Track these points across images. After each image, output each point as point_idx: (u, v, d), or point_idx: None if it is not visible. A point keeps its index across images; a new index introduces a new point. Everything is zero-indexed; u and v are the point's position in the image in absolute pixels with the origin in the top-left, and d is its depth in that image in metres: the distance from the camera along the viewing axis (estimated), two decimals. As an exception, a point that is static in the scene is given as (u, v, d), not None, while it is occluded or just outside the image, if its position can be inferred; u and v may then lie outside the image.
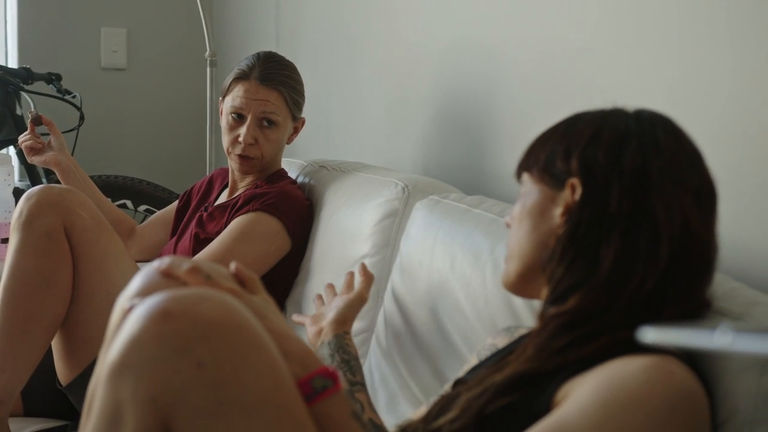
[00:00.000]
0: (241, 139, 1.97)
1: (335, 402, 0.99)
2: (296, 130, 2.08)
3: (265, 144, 1.99)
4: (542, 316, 1.05)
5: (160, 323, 0.88)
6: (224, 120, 2.02)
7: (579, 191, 1.03)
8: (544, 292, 1.08)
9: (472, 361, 1.27)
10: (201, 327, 0.88)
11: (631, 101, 1.29)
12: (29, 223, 1.72)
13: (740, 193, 1.31)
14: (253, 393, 0.89)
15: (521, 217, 1.10)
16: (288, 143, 2.07)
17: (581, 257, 1.01)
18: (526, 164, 1.11)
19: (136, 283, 1.01)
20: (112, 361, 0.89)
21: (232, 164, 2.04)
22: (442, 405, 1.07)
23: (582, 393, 0.94)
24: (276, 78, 1.98)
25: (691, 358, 0.99)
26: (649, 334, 0.59)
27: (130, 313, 0.92)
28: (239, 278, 1.06)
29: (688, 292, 1.01)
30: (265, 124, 1.99)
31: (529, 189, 1.10)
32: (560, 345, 0.99)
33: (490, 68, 1.90)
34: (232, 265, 1.07)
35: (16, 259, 1.71)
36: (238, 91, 1.99)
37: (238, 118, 1.99)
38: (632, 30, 1.52)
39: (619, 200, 1.00)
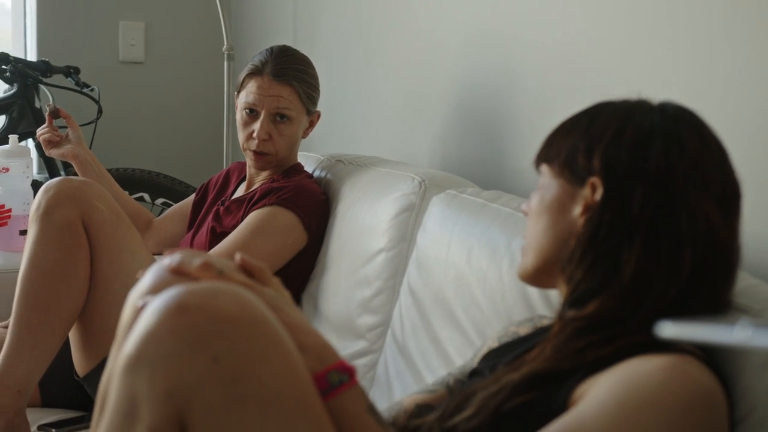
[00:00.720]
0: (255, 134, 1.98)
1: (351, 396, 0.99)
2: (312, 124, 2.08)
3: (279, 139, 1.99)
4: (561, 318, 1.05)
5: (176, 317, 0.88)
6: (239, 115, 2.03)
7: (600, 191, 1.01)
8: (562, 285, 1.08)
9: (492, 344, 1.26)
10: (217, 321, 0.88)
11: (650, 94, 1.29)
12: (47, 215, 1.72)
13: (759, 188, 1.30)
14: (269, 388, 0.89)
15: (539, 211, 1.09)
16: (304, 137, 2.07)
17: (601, 261, 1.00)
18: (546, 155, 1.10)
19: (147, 280, 1.01)
20: (127, 355, 0.89)
21: (248, 160, 2.04)
22: (458, 403, 1.07)
23: (598, 392, 0.93)
24: (289, 73, 1.98)
25: (710, 357, 0.98)
26: (668, 329, 0.59)
27: (141, 310, 0.92)
28: (247, 269, 1.05)
29: (711, 298, 1.00)
30: (279, 119, 1.99)
31: (549, 182, 1.08)
32: (578, 347, 0.98)
33: (508, 62, 1.89)
34: (237, 256, 1.06)
35: (35, 250, 1.72)
36: (251, 87, 1.99)
37: (252, 113, 2.00)
38: (650, 22, 1.51)
39: (641, 204, 0.99)
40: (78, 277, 1.73)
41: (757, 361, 0.99)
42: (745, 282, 1.11)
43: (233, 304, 0.90)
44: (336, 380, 0.98)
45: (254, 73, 2.00)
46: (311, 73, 2.04)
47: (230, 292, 0.92)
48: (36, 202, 1.75)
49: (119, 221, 1.79)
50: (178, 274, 0.99)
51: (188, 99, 3.34)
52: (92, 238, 1.75)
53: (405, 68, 2.30)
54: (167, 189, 2.87)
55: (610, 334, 0.97)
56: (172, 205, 2.70)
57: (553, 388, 0.98)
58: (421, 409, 1.22)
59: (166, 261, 1.01)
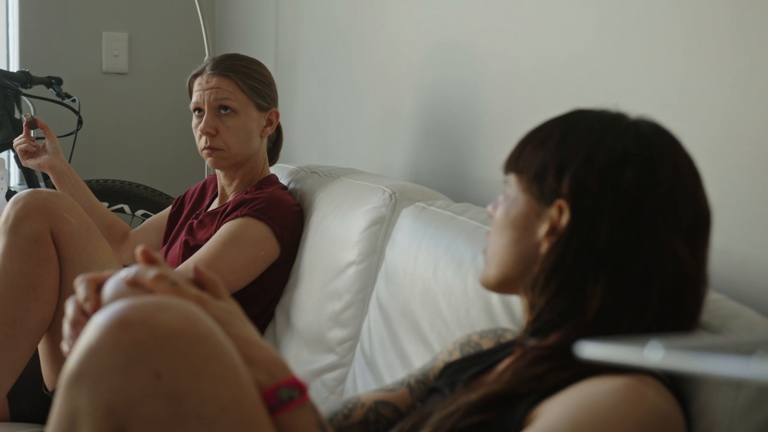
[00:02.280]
0: (200, 129, 1.97)
1: (301, 413, 0.97)
2: (270, 123, 2.05)
3: (226, 132, 1.98)
4: (522, 345, 1.04)
5: (117, 332, 0.87)
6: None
7: (566, 216, 0.99)
8: (524, 299, 1.07)
9: (453, 354, 1.25)
10: (159, 336, 0.87)
11: (618, 106, 1.28)
12: (16, 228, 1.72)
13: (727, 202, 1.29)
14: (212, 404, 0.88)
15: (504, 225, 1.07)
16: (263, 136, 2.05)
17: (565, 291, 0.99)
18: (516, 166, 1.07)
19: (106, 293, 1.00)
20: (69, 369, 0.88)
21: (208, 163, 2.03)
22: (414, 422, 1.06)
23: (554, 412, 0.92)
24: (226, 66, 2.00)
25: (671, 377, 0.97)
26: (587, 350, 0.58)
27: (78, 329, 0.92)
28: (200, 281, 1.03)
29: (677, 330, 0.98)
30: (222, 111, 1.98)
31: (515, 195, 1.06)
32: (537, 373, 0.97)
33: (473, 75, 1.89)
34: (190, 264, 1.05)
35: (2, 263, 1.71)
36: (195, 88, 2.02)
37: (200, 113, 2.01)
38: (619, 36, 1.50)
39: (608, 236, 0.96)
40: (46, 289, 1.72)
41: (727, 382, 0.98)
42: (707, 296, 1.10)
43: (177, 319, 0.89)
44: (285, 396, 0.97)
45: (196, 74, 2.03)
46: (254, 68, 2.04)
47: (174, 307, 0.90)
48: (5, 214, 1.74)
49: (89, 233, 1.78)
50: (134, 285, 0.98)
51: (171, 110, 3.33)
52: (61, 251, 1.74)
53: (380, 80, 2.30)
54: (147, 200, 2.87)
55: (570, 363, 0.96)
56: (152, 216, 2.70)
57: (509, 409, 0.97)
58: (379, 405, 1.21)
59: (123, 273, 1.00)
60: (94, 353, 0.87)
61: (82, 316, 1.00)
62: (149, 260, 1.02)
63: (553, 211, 1.01)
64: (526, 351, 1.01)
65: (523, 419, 0.95)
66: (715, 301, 1.11)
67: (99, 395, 0.86)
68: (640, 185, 0.97)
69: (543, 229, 1.02)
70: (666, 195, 0.97)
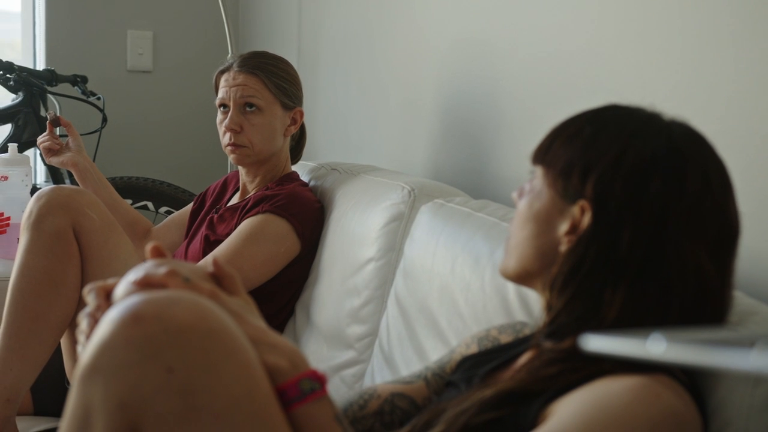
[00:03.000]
0: (225, 125, 1.98)
1: (321, 405, 0.98)
2: (294, 122, 2.05)
3: (250, 129, 1.98)
4: (538, 345, 1.03)
5: (130, 327, 0.88)
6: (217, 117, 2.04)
7: (588, 217, 0.98)
8: (541, 293, 1.06)
9: (471, 348, 1.25)
10: (172, 331, 0.88)
11: (638, 102, 1.26)
12: (38, 224, 1.73)
13: (744, 198, 1.28)
14: (224, 399, 0.88)
15: (526, 218, 1.06)
16: (286, 135, 2.05)
17: (583, 296, 0.98)
18: (543, 158, 1.05)
19: (118, 294, 1.00)
20: (83, 364, 0.89)
21: (230, 158, 2.04)
22: (428, 419, 1.06)
23: (567, 410, 0.92)
24: (254, 64, 2.00)
25: (690, 376, 0.96)
26: (591, 342, 0.57)
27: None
28: (219, 274, 1.03)
29: None
30: (248, 109, 1.99)
31: (540, 188, 1.05)
32: (552, 373, 0.96)
33: (494, 71, 1.89)
34: (209, 259, 1.05)
35: (25, 259, 1.73)
36: (221, 84, 2.02)
37: (225, 109, 2.01)
38: (638, 30, 1.50)
39: (630, 244, 0.95)
40: (68, 285, 1.73)
41: (731, 375, 0.97)
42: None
43: (189, 314, 0.89)
44: (308, 388, 0.97)
45: (223, 70, 2.03)
46: (281, 67, 2.04)
47: (187, 302, 0.91)
48: (28, 211, 1.76)
49: (110, 229, 1.79)
50: (144, 286, 0.98)
51: (195, 108, 3.35)
52: (83, 247, 1.76)
53: (401, 76, 2.30)
54: (171, 197, 2.88)
55: (584, 365, 0.95)
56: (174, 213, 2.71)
57: (523, 407, 0.97)
58: (395, 397, 1.21)
59: (132, 276, 1.00)
60: (107, 348, 0.88)
61: (143, 288, 0.99)
62: (159, 256, 1.03)
63: (575, 210, 1.00)
64: (541, 351, 1.01)
65: (537, 417, 0.95)
66: (733, 297, 1.10)
67: (112, 390, 0.87)
68: (666, 194, 0.95)
69: (564, 226, 1.01)
70: (692, 206, 0.95)
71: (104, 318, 0.91)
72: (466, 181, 1.96)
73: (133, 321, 0.88)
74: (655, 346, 0.49)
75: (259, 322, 1.00)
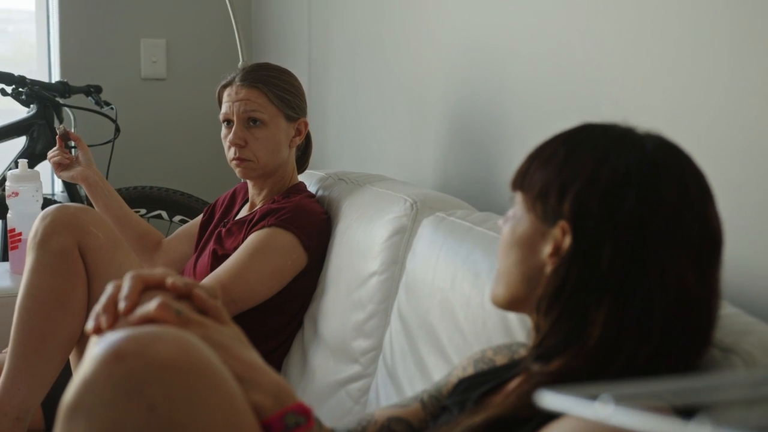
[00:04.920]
0: (229, 141, 1.98)
1: None
2: (299, 132, 2.05)
3: (255, 144, 1.98)
4: (526, 369, 1.02)
5: (112, 364, 0.88)
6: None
7: (569, 238, 0.97)
8: (531, 316, 1.06)
9: (467, 370, 1.24)
10: (153, 368, 0.88)
11: (641, 112, 1.25)
12: (44, 243, 1.74)
13: (740, 208, 1.26)
14: (207, 435, 0.88)
15: (510, 244, 1.06)
16: (291, 146, 2.05)
17: (568, 317, 0.97)
18: (521, 184, 1.06)
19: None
20: (66, 402, 0.89)
21: (237, 173, 2.04)
22: None
23: None
24: (255, 77, 1.99)
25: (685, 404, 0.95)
26: (546, 400, 0.57)
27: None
28: (202, 307, 1.03)
29: (684, 359, 0.95)
30: (252, 123, 1.98)
31: (521, 213, 1.05)
32: None
33: (501, 79, 1.87)
34: (218, 273, 1.05)
35: (31, 278, 1.74)
36: (224, 99, 2.03)
37: (229, 125, 2.01)
38: (647, 40, 1.48)
39: (610, 261, 0.94)
40: (74, 303, 1.74)
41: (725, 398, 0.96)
42: (722, 311, 1.07)
43: (172, 350, 0.89)
44: (292, 422, 0.97)
45: (225, 85, 2.03)
46: (284, 78, 2.03)
47: (170, 337, 0.91)
48: (33, 230, 1.77)
49: (116, 247, 1.80)
50: (141, 323, 0.98)
51: (209, 115, 3.32)
52: (89, 265, 1.77)
53: (409, 85, 2.29)
54: (185, 206, 2.89)
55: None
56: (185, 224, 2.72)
57: None
58: (392, 422, 1.21)
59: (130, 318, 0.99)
60: (89, 386, 0.88)
61: (113, 305, 1.00)
62: (153, 286, 1.03)
63: (556, 232, 0.99)
64: (530, 375, 1.00)
65: None
66: (728, 316, 1.08)
67: (94, 427, 0.87)
68: (642, 208, 0.94)
69: (547, 249, 1.00)
70: (670, 217, 0.94)
71: (87, 355, 0.91)
72: (474, 190, 1.95)
73: (114, 358, 0.88)
74: (603, 409, 0.48)
75: (247, 354, 1.00)
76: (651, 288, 0.93)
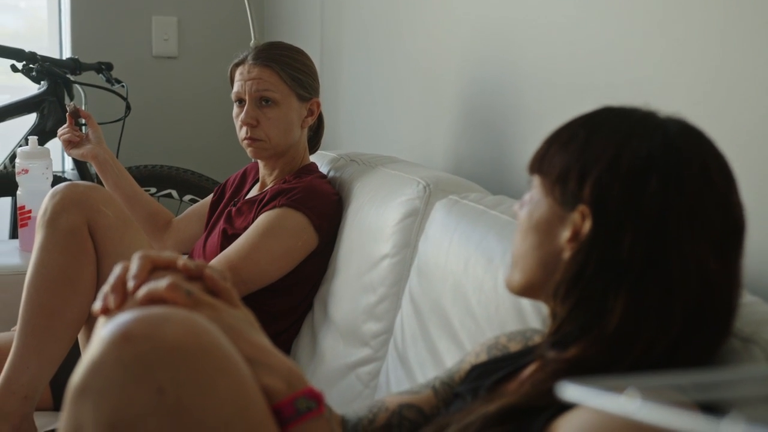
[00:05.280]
0: (241, 120, 1.96)
1: (318, 425, 0.96)
2: (312, 113, 2.03)
3: (266, 123, 1.96)
4: (541, 356, 1.01)
5: (120, 346, 0.87)
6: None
7: (589, 223, 0.95)
8: (547, 302, 1.04)
9: (480, 356, 1.23)
10: (162, 351, 0.86)
11: (659, 95, 1.22)
12: (53, 221, 1.73)
13: (762, 195, 1.24)
14: (216, 419, 0.87)
15: (527, 228, 1.03)
16: (303, 127, 2.03)
17: (586, 303, 0.95)
18: (539, 167, 1.03)
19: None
20: (73, 384, 0.88)
21: (248, 153, 2.02)
22: None
23: (573, 425, 0.89)
24: (268, 56, 1.97)
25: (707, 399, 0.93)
26: (569, 391, 0.55)
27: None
28: (214, 289, 1.02)
29: (703, 349, 0.93)
30: (264, 103, 1.97)
31: (539, 197, 1.02)
32: (555, 387, 0.94)
33: (515, 60, 1.85)
34: (207, 272, 1.04)
35: (40, 256, 1.72)
36: (236, 78, 2.01)
37: (241, 104, 2.00)
38: (660, 23, 1.45)
39: (631, 247, 0.92)
40: (84, 282, 1.73)
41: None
42: (741, 299, 1.05)
43: (181, 332, 0.88)
44: (303, 407, 0.96)
45: (238, 63, 2.02)
46: (297, 58, 2.01)
47: (179, 319, 0.89)
48: (43, 208, 1.75)
49: (126, 226, 1.79)
50: (147, 302, 0.96)
51: (220, 94, 3.32)
52: (98, 244, 1.75)
53: (422, 65, 2.27)
54: (195, 186, 2.88)
55: (589, 377, 0.92)
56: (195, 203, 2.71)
57: (526, 422, 0.94)
58: (404, 408, 1.19)
59: (137, 294, 0.98)
60: (97, 368, 0.87)
61: (121, 285, 0.99)
62: (162, 267, 1.01)
63: (576, 216, 0.97)
64: (546, 363, 0.98)
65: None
66: (748, 305, 1.06)
67: (102, 410, 0.86)
68: (664, 193, 0.92)
69: (566, 234, 0.98)
70: (693, 203, 0.92)
71: (95, 337, 0.90)
72: (486, 172, 1.92)
73: (122, 340, 0.87)
74: (629, 404, 0.46)
75: (257, 338, 0.99)
76: (672, 275, 0.91)
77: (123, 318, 0.89)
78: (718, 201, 0.94)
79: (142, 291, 0.97)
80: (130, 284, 0.98)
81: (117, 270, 1.00)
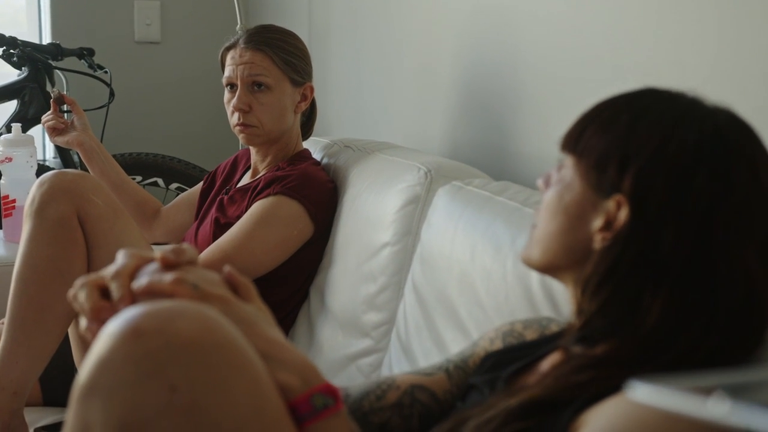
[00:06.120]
0: (233, 105, 1.91)
1: (336, 422, 0.92)
2: (305, 98, 1.98)
3: (259, 109, 1.91)
4: (567, 349, 0.97)
5: (130, 342, 0.82)
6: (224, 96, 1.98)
7: (625, 213, 0.90)
8: (570, 289, 0.99)
9: (495, 343, 1.19)
10: (175, 347, 0.82)
11: (667, 77, 1.18)
12: (41, 211, 1.67)
13: None
14: (231, 418, 0.82)
15: (556, 210, 0.98)
16: (296, 112, 1.98)
17: (619, 300, 0.90)
18: (575, 147, 0.97)
19: (141, 284, 0.94)
20: (81, 382, 0.83)
21: (240, 139, 1.97)
22: (451, 428, 1.00)
23: (600, 423, 0.85)
24: (260, 39, 1.92)
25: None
26: (639, 391, 0.51)
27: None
28: (232, 284, 0.98)
29: (740, 355, 0.88)
30: (256, 88, 1.92)
31: (571, 179, 0.97)
32: (581, 381, 0.89)
33: (512, 40, 1.80)
34: (226, 268, 1.00)
35: (29, 247, 1.67)
36: (227, 62, 1.95)
37: (233, 89, 1.94)
38: (662, 3, 1.41)
39: (673, 245, 0.87)
40: (74, 274, 1.67)
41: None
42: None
43: (194, 327, 0.83)
44: (320, 404, 0.91)
45: (229, 47, 1.96)
46: (290, 41, 1.96)
47: (191, 314, 0.85)
48: (30, 197, 1.70)
49: (116, 215, 1.73)
50: (149, 295, 0.92)
51: (205, 80, 3.27)
52: (88, 234, 1.70)
53: (416, 48, 2.22)
54: (181, 174, 2.82)
55: (617, 372, 0.88)
56: (186, 189, 2.65)
57: (551, 417, 0.90)
58: (416, 389, 1.15)
59: (135, 284, 0.93)
60: (105, 365, 0.82)
61: (106, 309, 0.94)
62: (168, 265, 0.96)
63: (610, 205, 0.92)
64: (570, 357, 0.95)
65: (567, 428, 0.89)
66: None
67: (112, 410, 0.81)
68: (713, 190, 0.87)
69: (598, 222, 0.93)
70: (741, 202, 0.87)
71: (103, 331, 0.85)
72: (485, 158, 1.88)
73: (133, 336, 0.82)
74: (717, 407, 0.42)
75: (272, 333, 0.94)
76: (717, 277, 0.87)
77: (132, 312, 0.84)
78: (764, 200, 0.89)
79: (143, 283, 0.92)
80: (120, 308, 0.93)
81: (82, 295, 0.94)
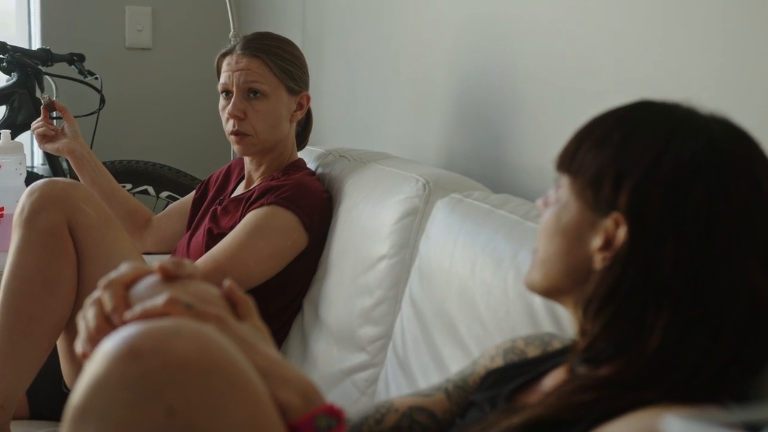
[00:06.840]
0: (228, 112, 1.88)
1: None
2: (301, 107, 1.96)
3: (255, 117, 1.88)
4: (571, 369, 0.94)
5: (126, 363, 0.79)
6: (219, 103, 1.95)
7: (624, 231, 0.88)
8: (572, 311, 0.97)
9: (496, 361, 1.16)
10: (172, 368, 0.78)
11: (671, 88, 1.16)
12: (31, 220, 1.64)
13: None
14: (230, 442, 0.79)
15: (554, 232, 0.96)
16: (292, 121, 1.95)
17: (622, 321, 0.88)
18: (569, 166, 0.95)
19: (140, 291, 0.92)
20: (74, 403, 0.80)
21: (234, 148, 1.94)
22: None
23: None
24: (257, 46, 1.90)
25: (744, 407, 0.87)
26: (674, 426, 0.48)
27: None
28: (231, 299, 0.95)
29: (749, 371, 0.86)
30: (252, 95, 1.89)
31: (567, 199, 0.95)
32: (585, 400, 0.87)
33: (508, 49, 1.78)
34: (226, 283, 0.97)
35: (18, 257, 1.64)
36: (223, 68, 1.93)
37: (228, 96, 1.92)
38: (668, 10, 1.39)
39: (673, 261, 0.85)
40: (64, 285, 1.65)
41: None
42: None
43: (191, 347, 0.80)
44: (324, 425, 0.88)
45: (225, 53, 1.94)
46: (287, 49, 1.94)
47: (189, 333, 0.82)
48: (20, 206, 1.66)
49: (108, 225, 1.70)
50: (144, 318, 0.88)
51: (197, 87, 3.23)
52: (79, 244, 1.67)
53: (412, 56, 2.20)
54: (172, 182, 2.79)
55: (623, 393, 0.86)
56: (177, 198, 2.62)
57: None
58: (414, 411, 1.13)
59: (128, 314, 0.90)
60: (100, 386, 0.79)
61: (107, 325, 0.91)
62: (168, 276, 0.93)
63: (608, 223, 0.90)
64: (575, 376, 0.92)
65: None
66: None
67: (106, 432, 0.78)
68: (710, 203, 0.85)
69: (596, 241, 0.91)
70: (740, 214, 0.85)
71: (97, 351, 0.82)
72: (482, 169, 1.86)
73: (128, 356, 0.79)
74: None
75: (270, 351, 0.92)
76: (720, 294, 0.85)
77: (128, 332, 0.81)
78: (765, 211, 0.87)
79: (137, 310, 0.89)
80: (115, 319, 0.90)
81: (90, 312, 0.92)
